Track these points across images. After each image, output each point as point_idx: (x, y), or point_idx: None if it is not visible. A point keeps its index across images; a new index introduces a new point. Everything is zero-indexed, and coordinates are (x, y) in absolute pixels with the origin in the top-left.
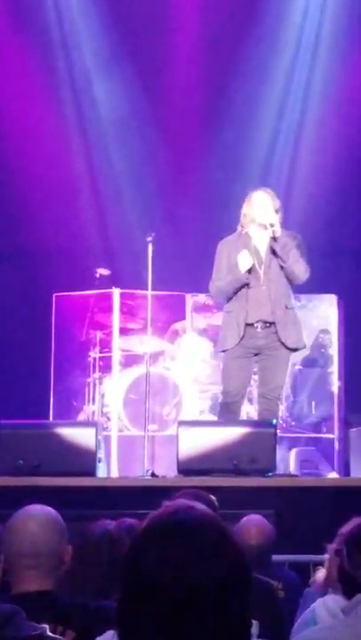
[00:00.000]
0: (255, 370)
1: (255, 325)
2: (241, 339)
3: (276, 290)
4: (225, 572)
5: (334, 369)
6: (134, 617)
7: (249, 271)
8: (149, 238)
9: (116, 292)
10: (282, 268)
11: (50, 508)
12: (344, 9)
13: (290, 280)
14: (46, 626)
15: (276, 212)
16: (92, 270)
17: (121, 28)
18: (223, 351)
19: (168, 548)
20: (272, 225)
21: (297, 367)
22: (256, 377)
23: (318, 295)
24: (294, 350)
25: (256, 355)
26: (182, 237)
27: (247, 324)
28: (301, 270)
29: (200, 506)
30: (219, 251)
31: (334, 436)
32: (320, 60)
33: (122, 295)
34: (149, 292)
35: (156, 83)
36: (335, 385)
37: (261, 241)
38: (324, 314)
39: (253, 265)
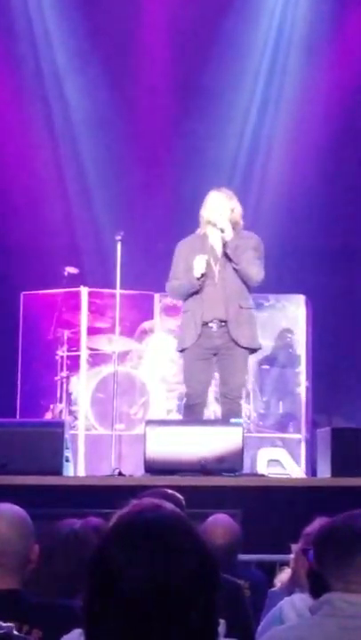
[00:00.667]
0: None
1: (210, 325)
2: (198, 337)
3: (230, 289)
4: (192, 571)
5: (302, 369)
6: (101, 615)
7: (203, 275)
8: (118, 237)
9: (84, 291)
10: (235, 269)
11: (17, 506)
12: (314, 9)
13: (244, 281)
14: (12, 625)
15: (232, 211)
16: (61, 269)
17: (91, 29)
18: (182, 350)
19: (135, 547)
20: (222, 231)
21: (264, 367)
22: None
23: (287, 295)
24: (251, 350)
25: (215, 355)
26: (151, 237)
27: (203, 324)
28: (254, 272)
29: (167, 505)
30: (177, 251)
31: (301, 435)
32: (291, 60)
33: (90, 294)
34: (118, 291)
35: (126, 82)
36: (303, 385)
37: (218, 240)
38: (292, 314)
39: (209, 264)
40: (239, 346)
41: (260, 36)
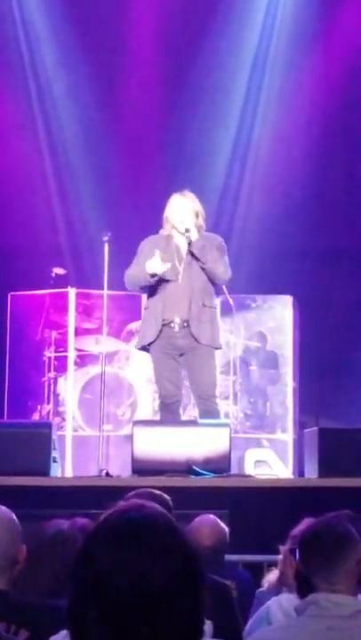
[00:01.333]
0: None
1: (172, 325)
2: (159, 334)
3: (194, 287)
4: (177, 571)
5: (289, 370)
6: (86, 616)
7: (154, 275)
8: (106, 238)
9: (71, 292)
10: (202, 268)
11: (4, 507)
12: (303, 6)
13: (211, 280)
14: None
15: (196, 215)
16: (48, 269)
17: (78, 29)
18: (143, 348)
19: (120, 547)
20: (187, 230)
21: (252, 368)
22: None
23: (274, 296)
24: (213, 348)
25: (181, 355)
26: (139, 237)
27: (164, 323)
28: (221, 270)
29: (152, 504)
30: (140, 248)
31: (288, 436)
32: (280, 59)
33: (77, 295)
34: (105, 292)
35: (114, 83)
36: (289, 386)
37: (182, 240)
38: (279, 314)
39: (173, 262)
40: (202, 344)
41: (249, 35)
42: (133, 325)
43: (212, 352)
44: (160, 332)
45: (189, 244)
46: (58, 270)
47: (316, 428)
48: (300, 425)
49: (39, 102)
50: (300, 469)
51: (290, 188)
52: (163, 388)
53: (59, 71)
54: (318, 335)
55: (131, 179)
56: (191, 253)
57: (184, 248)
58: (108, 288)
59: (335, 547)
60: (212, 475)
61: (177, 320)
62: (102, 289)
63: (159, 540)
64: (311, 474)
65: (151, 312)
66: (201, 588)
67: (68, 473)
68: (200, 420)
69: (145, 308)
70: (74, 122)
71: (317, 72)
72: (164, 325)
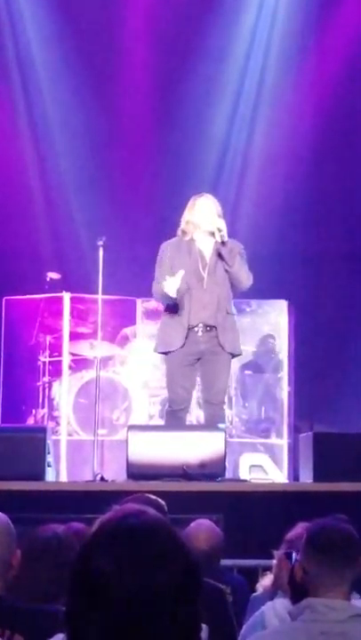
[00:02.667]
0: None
1: (196, 330)
2: (185, 340)
3: (219, 294)
4: (175, 577)
5: (284, 374)
6: (83, 620)
7: (178, 292)
8: (100, 242)
9: (66, 296)
10: (227, 271)
11: None
12: (295, 11)
13: (233, 285)
14: None
15: (219, 217)
16: (43, 274)
17: (72, 34)
18: (166, 353)
19: (118, 552)
20: (220, 230)
21: (247, 372)
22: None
23: (269, 301)
24: (233, 356)
25: (198, 360)
26: (133, 242)
27: (189, 328)
28: (245, 276)
29: (151, 510)
30: (161, 253)
31: (284, 441)
32: (273, 64)
33: (72, 299)
34: (100, 297)
35: (107, 88)
36: (285, 390)
37: (206, 245)
38: (274, 319)
39: (197, 268)
40: (224, 351)
41: (241, 40)
42: (128, 330)
43: (230, 359)
44: (186, 338)
45: (223, 243)
46: (52, 275)
47: (311, 433)
48: (295, 429)
49: (32, 106)
50: (294, 474)
51: (285, 193)
52: (174, 393)
53: (51, 73)
54: (313, 340)
55: (125, 183)
56: (219, 256)
57: (208, 253)
58: (103, 292)
59: (329, 551)
60: (207, 479)
61: (201, 326)
62: (97, 293)
63: (158, 547)
64: (306, 478)
65: (176, 318)
66: (199, 595)
67: (63, 477)
68: (195, 425)
69: (168, 313)
70: (69, 126)
71: (314, 72)
72: (188, 329)
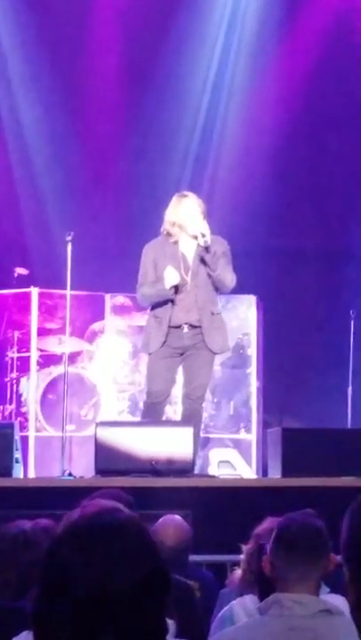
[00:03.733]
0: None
1: (182, 327)
2: (163, 343)
3: (202, 296)
4: (143, 576)
5: (253, 370)
6: (50, 616)
7: (176, 287)
8: (69, 238)
9: (34, 292)
10: (210, 275)
11: None
12: (264, 6)
13: (217, 288)
14: None
15: (204, 217)
16: (11, 269)
17: (40, 33)
18: (149, 353)
19: (90, 550)
20: (203, 235)
21: (216, 368)
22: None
23: (237, 296)
24: (220, 353)
25: (182, 354)
26: (102, 237)
27: (173, 327)
28: (229, 279)
29: (123, 509)
30: (144, 255)
31: (252, 436)
32: (241, 62)
33: (40, 295)
34: (68, 292)
35: (77, 82)
36: (253, 385)
37: (189, 247)
38: (243, 314)
39: (180, 272)
40: (210, 350)
41: (210, 40)
42: (97, 325)
43: (213, 356)
44: (165, 341)
45: (206, 249)
46: (20, 270)
47: (279, 428)
48: (264, 425)
49: (1, 105)
50: (263, 469)
51: (252, 188)
52: (153, 384)
53: (19, 68)
54: (282, 335)
55: (94, 178)
56: (202, 260)
57: (191, 256)
58: (71, 288)
59: (295, 546)
60: (176, 475)
61: (186, 325)
62: (65, 289)
63: (126, 545)
64: (274, 473)
65: (158, 321)
66: (167, 593)
67: (31, 474)
68: (163, 420)
69: (152, 316)
70: (36, 120)
71: (284, 68)
72: (171, 328)
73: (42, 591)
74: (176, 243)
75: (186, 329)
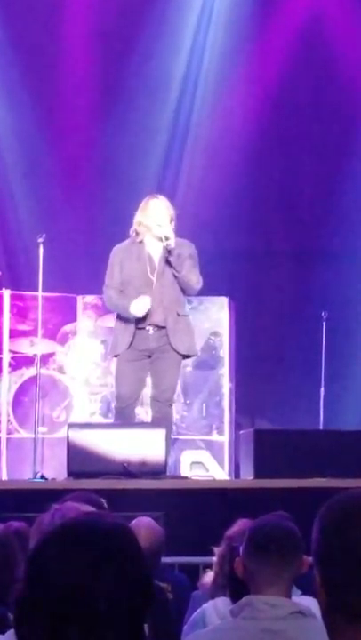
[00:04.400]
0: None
1: (147, 328)
2: (131, 343)
3: (168, 297)
4: (127, 582)
5: (225, 371)
6: (30, 615)
7: (144, 317)
8: (40, 239)
9: (5, 294)
10: (176, 277)
11: None
12: (238, 5)
13: (183, 289)
14: None
15: (171, 220)
16: None
17: (11, 36)
18: (115, 356)
19: (76, 553)
20: (167, 238)
21: (188, 369)
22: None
23: (209, 297)
24: (186, 356)
25: (149, 357)
26: (73, 239)
27: (138, 329)
28: (194, 280)
29: (112, 517)
30: (112, 256)
31: (225, 438)
32: (213, 64)
33: (12, 296)
34: (40, 294)
35: (49, 83)
36: (226, 387)
37: (155, 248)
38: (215, 316)
39: (146, 272)
40: (176, 352)
41: (182, 42)
42: (69, 327)
43: (180, 359)
44: (132, 342)
45: (169, 251)
46: None
47: (251, 430)
48: (236, 426)
49: None
50: (235, 471)
51: (224, 189)
52: (122, 389)
53: None
54: (254, 336)
55: (65, 179)
56: (167, 262)
57: (157, 256)
58: (43, 290)
59: (284, 546)
60: (148, 477)
61: (151, 326)
62: (37, 290)
63: (110, 550)
64: (247, 475)
65: (124, 322)
66: (147, 605)
67: (3, 476)
68: (136, 422)
69: (118, 318)
70: (7, 122)
71: (256, 71)
72: (137, 329)
73: (23, 590)
74: (142, 242)
75: (151, 330)
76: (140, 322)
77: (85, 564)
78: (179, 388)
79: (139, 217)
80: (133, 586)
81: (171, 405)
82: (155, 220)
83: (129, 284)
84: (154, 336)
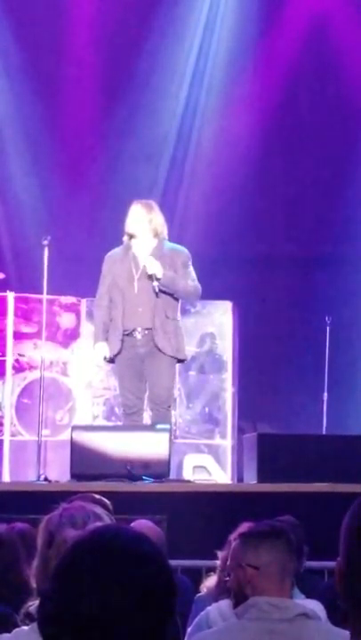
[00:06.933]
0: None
1: (134, 334)
2: (121, 345)
3: (157, 298)
4: (158, 604)
5: (228, 375)
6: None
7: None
8: (45, 242)
9: (10, 296)
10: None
11: None
12: (240, 13)
13: (184, 298)
14: None
15: (150, 222)
16: None
17: (15, 33)
18: (112, 360)
19: (110, 577)
20: (153, 277)
21: (191, 373)
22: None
23: (213, 302)
24: (177, 359)
25: (143, 361)
26: (78, 241)
27: (126, 333)
28: (191, 292)
29: (143, 532)
30: (103, 265)
31: (228, 442)
32: (218, 65)
33: (16, 299)
34: (44, 297)
35: (55, 84)
36: (228, 391)
37: (140, 249)
38: (218, 320)
39: (130, 272)
40: (163, 353)
41: (190, 33)
42: (73, 330)
43: (173, 361)
44: (122, 342)
45: (157, 279)
46: None
47: (255, 434)
48: (239, 430)
49: None
50: (238, 475)
51: (228, 195)
52: (124, 397)
53: None
54: (257, 341)
55: (71, 182)
56: (161, 291)
57: (141, 257)
58: (48, 292)
59: (258, 547)
60: (151, 480)
61: (138, 329)
62: (41, 293)
63: (142, 573)
64: (250, 479)
65: (113, 324)
66: (170, 618)
67: (6, 478)
68: (139, 425)
69: (110, 320)
70: (13, 123)
71: (261, 76)
72: (125, 335)
73: (49, 599)
74: (129, 246)
75: (139, 335)
76: (126, 324)
77: (118, 587)
78: (182, 392)
79: (126, 222)
80: (160, 610)
81: (169, 408)
82: (129, 227)
83: (115, 285)
84: (141, 341)
